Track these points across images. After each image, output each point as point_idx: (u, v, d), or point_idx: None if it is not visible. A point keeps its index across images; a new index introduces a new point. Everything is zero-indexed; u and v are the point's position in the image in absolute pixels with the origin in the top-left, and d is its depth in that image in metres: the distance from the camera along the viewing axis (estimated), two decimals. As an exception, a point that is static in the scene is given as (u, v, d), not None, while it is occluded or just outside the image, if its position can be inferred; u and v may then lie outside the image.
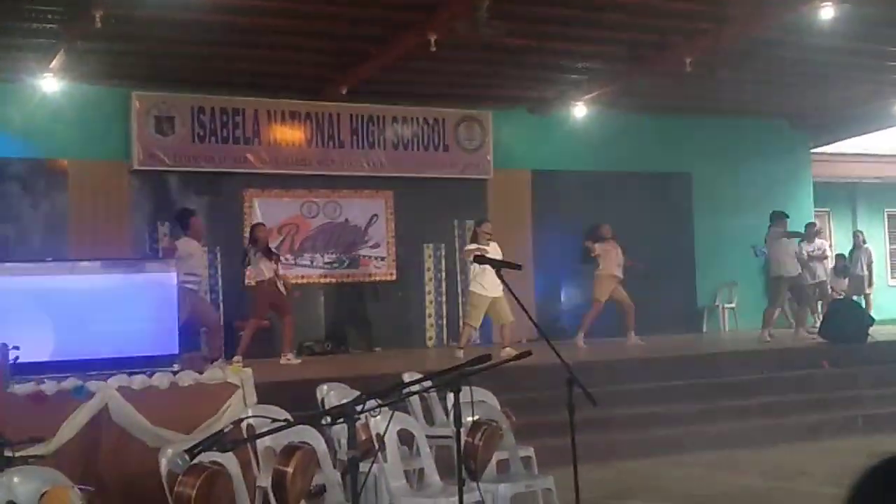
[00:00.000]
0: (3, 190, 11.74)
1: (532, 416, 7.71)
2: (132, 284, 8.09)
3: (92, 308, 7.84)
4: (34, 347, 7.50)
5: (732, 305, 15.25)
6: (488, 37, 9.91)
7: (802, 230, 14.24)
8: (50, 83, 11.36)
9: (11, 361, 6.10)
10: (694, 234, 15.42)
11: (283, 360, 11.17)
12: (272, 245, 11.69)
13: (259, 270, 11.25)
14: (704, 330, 15.30)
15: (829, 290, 14.56)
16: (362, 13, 10.04)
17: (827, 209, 18.72)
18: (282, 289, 11.32)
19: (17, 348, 6.14)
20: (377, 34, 10.74)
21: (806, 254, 14.00)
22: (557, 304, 13.49)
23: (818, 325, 13.05)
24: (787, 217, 13.31)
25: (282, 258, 11.76)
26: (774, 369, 11.15)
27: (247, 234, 12.16)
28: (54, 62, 10.75)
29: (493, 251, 10.95)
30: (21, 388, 6.85)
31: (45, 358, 7.57)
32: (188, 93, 12.32)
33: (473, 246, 11.15)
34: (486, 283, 11.13)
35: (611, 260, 12.53)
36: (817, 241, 14.81)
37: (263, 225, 11.71)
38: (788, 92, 14.13)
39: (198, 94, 12.37)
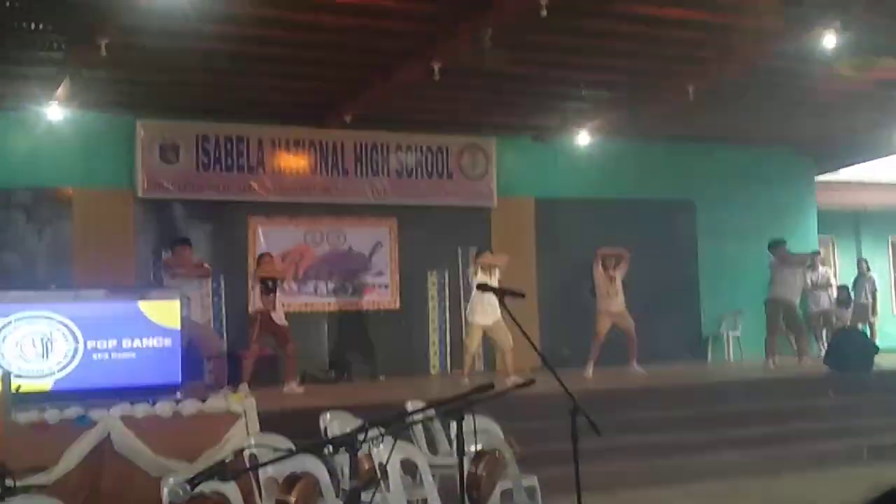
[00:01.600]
0: (8, 218, 11.76)
1: (536, 445, 7.66)
2: (135, 312, 8.08)
3: (95, 336, 7.84)
4: (37, 376, 7.49)
5: (737, 334, 15.19)
6: (491, 65, 9.95)
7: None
8: (55, 111, 11.40)
9: (14, 390, 6.08)
10: (698, 261, 15.40)
11: (285, 390, 11.14)
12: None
13: (254, 300, 11.29)
14: (709, 358, 15.24)
15: (834, 319, 14.50)
16: (365, 42, 10.07)
17: (831, 237, 18.69)
18: (277, 320, 11.29)
19: (19, 376, 6.13)
20: (381, 63, 10.77)
21: (810, 282, 13.96)
22: (561, 333, 13.44)
23: (823, 353, 13.01)
24: (784, 242, 13.29)
25: (282, 287, 11.68)
26: (778, 398, 11.10)
27: (251, 262, 12.24)
28: (59, 90, 10.80)
29: (493, 280, 11.07)
30: (23, 417, 6.84)
31: (48, 387, 7.57)
32: (193, 121, 12.37)
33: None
34: (477, 312, 11.29)
35: (603, 291, 12.56)
36: (821, 269, 14.82)
37: (268, 255, 11.71)
38: (792, 120, 14.14)
39: (202, 122, 12.42)
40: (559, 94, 12.54)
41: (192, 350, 9.64)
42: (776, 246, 13.24)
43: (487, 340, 11.92)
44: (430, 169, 13.76)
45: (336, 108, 12.43)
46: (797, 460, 9.47)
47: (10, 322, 7.74)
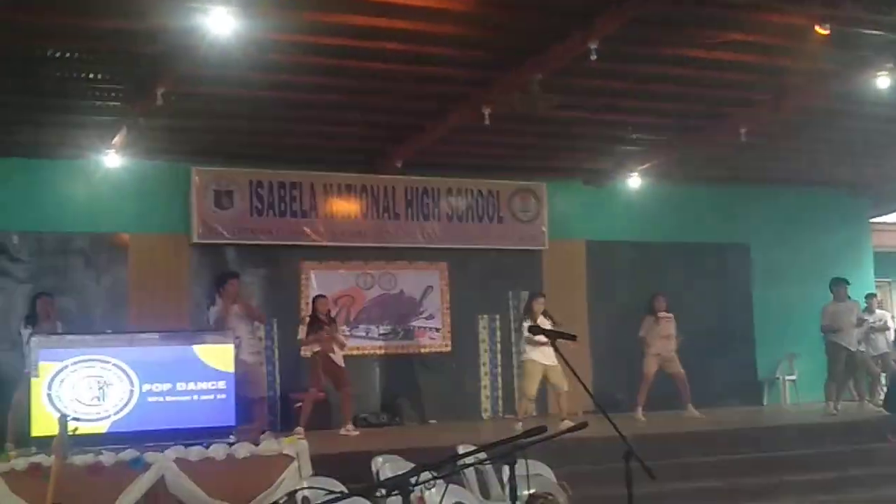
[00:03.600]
0: (67, 263, 11.95)
1: (589, 489, 7.59)
2: (190, 356, 8.17)
3: (150, 379, 7.93)
4: (93, 418, 7.59)
5: (793, 377, 14.97)
6: (542, 110, 9.99)
7: (863, 300, 14.02)
8: (112, 159, 11.62)
9: (71, 432, 6.17)
10: (752, 305, 15.22)
11: (342, 431, 11.21)
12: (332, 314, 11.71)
13: (312, 343, 11.36)
14: (765, 402, 15.03)
15: (892, 363, 14.24)
16: (416, 88, 10.18)
17: (888, 280, 18.40)
18: (337, 361, 11.35)
19: (76, 419, 6.21)
20: (431, 108, 10.87)
21: (867, 325, 13.73)
22: (614, 376, 13.34)
23: (881, 397, 12.78)
24: (846, 283, 13.07)
25: (336, 328, 11.73)
26: (837, 443, 10.90)
27: (304, 306, 12.35)
28: (117, 138, 11.01)
29: (545, 324, 11.07)
30: (80, 459, 6.93)
31: (103, 429, 7.66)
32: (246, 167, 12.53)
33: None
34: (536, 349, 11.23)
35: (654, 336, 12.47)
36: (878, 311, 14.56)
37: (322, 297, 11.78)
38: (846, 161, 14.01)
39: (255, 168, 12.58)
40: (610, 137, 12.56)
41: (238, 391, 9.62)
42: (834, 286, 13.03)
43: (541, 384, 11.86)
44: (480, 213, 13.79)
45: (387, 153, 12.54)
46: (856, 507, 9.29)
47: (66, 366, 7.86)
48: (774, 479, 9.73)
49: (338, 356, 11.42)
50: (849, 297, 13.00)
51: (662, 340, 12.49)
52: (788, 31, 8.67)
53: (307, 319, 11.53)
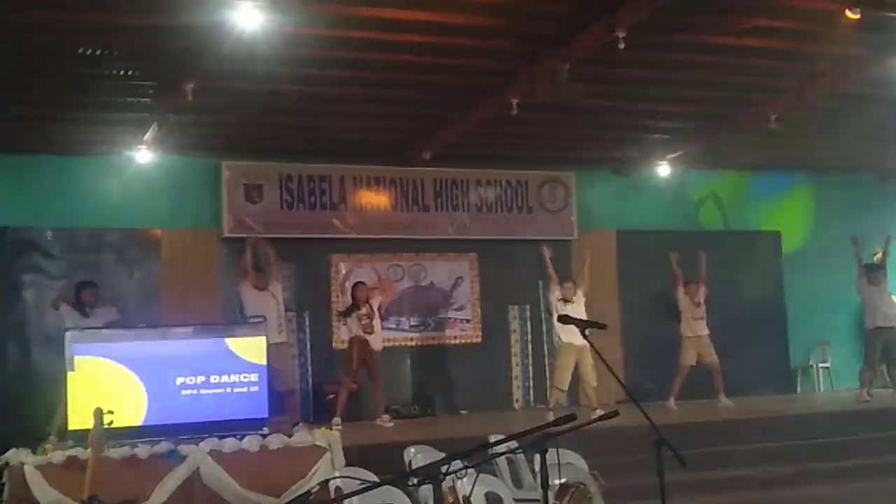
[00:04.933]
0: (100, 259, 12.08)
1: (621, 478, 7.58)
2: (222, 349, 8.23)
3: (183, 372, 8.00)
4: (128, 412, 7.66)
5: (827, 365, 14.88)
6: (569, 99, 9.96)
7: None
8: (144, 155, 11.72)
9: (106, 425, 6.23)
10: (784, 292, 15.14)
11: (378, 422, 11.32)
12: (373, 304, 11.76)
13: (349, 329, 11.43)
14: (798, 390, 14.95)
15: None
16: (443, 80, 10.18)
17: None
18: (374, 345, 11.40)
19: (111, 412, 6.28)
20: (459, 100, 10.87)
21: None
22: (646, 366, 13.31)
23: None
24: (877, 267, 12.99)
25: (377, 315, 11.76)
26: (871, 430, 10.83)
27: (334, 299, 12.43)
28: (147, 135, 11.10)
29: (577, 309, 11.10)
30: (116, 452, 7.01)
31: (138, 422, 7.74)
32: (276, 161, 12.60)
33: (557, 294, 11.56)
34: (571, 332, 11.17)
35: (688, 316, 12.48)
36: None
37: (362, 283, 11.83)
38: (877, 147, 13.88)
39: (285, 162, 12.64)
40: (638, 126, 12.51)
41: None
42: (867, 269, 12.96)
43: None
44: (509, 203, 13.80)
45: (415, 145, 12.56)
46: (890, 494, 9.22)
47: (101, 359, 7.94)
48: (808, 467, 9.71)
49: (375, 340, 11.46)
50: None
51: (700, 320, 12.52)
52: (817, 17, 8.61)
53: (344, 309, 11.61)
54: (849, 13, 7.95)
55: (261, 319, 10.16)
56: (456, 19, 8.47)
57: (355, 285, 11.77)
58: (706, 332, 12.56)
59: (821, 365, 14.89)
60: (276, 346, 10.24)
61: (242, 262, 11.28)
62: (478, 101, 10.77)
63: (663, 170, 13.89)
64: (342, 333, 12.20)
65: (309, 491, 5.85)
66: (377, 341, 11.51)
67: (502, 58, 9.62)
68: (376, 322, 11.56)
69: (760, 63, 10.03)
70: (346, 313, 11.53)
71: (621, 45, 8.19)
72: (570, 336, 11.30)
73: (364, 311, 11.44)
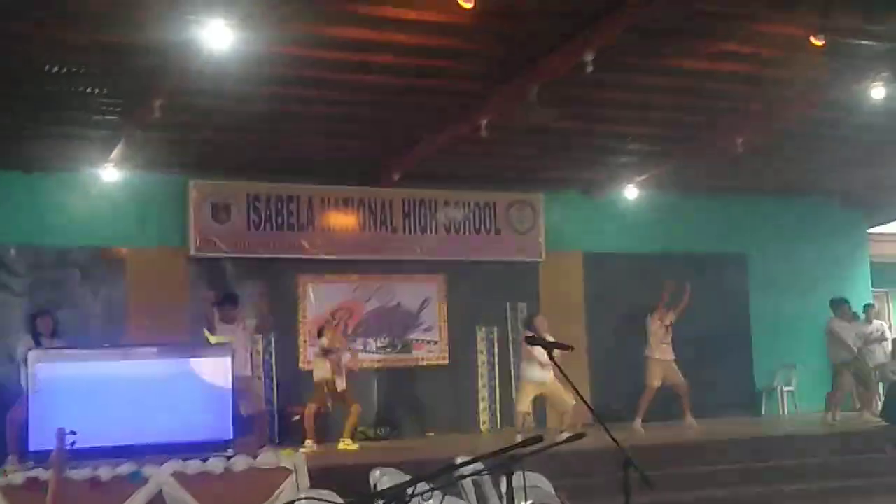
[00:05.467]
0: (63, 277, 11.94)
1: (587, 500, 7.60)
2: (187, 370, 8.17)
3: (148, 393, 7.93)
4: (91, 432, 7.57)
5: (791, 388, 14.97)
6: (538, 121, 10.00)
7: (861, 311, 14.06)
8: (110, 173, 11.64)
9: (68, 446, 6.15)
10: (750, 315, 15.23)
11: (340, 445, 11.26)
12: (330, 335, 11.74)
13: (318, 368, 11.45)
14: (763, 413, 15.02)
15: (889, 373, 14.26)
16: (413, 101, 10.19)
17: (885, 290, 18.40)
18: (339, 387, 11.40)
19: (73, 433, 6.20)
20: (428, 120, 10.88)
21: (864, 336, 13.76)
22: (612, 388, 13.34)
23: (879, 408, 12.81)
24: (846, 302, 13.16)
25: (345, 350, 11.75)
26: (837, 453, 10.90)
27: (301, 319, 12.45)
28: (115, 152, 11.02)
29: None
30: (78, 474, 6.92)
31: (101, 443, 7.65)
32: (244, 180, 12.54)
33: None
34: (536, 368, 11.32)
35: (657, 340, 12.57)
36: (875, 322, 14.60)
37: (329, 324, 11.86)
38: (842, 171, 14.02)
39: (253, 181, 12.59)
40: (606, 148, 12.57)
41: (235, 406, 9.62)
42: (835, 306, 13.13)
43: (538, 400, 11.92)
44: (477, 225, 13.81)
45: (384, 165, 12.55)
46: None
47: (64, 379, 7.85)
48: (774, 489, 9.75)
49: (340, 382, 11.46)
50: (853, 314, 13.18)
51: (667, 346, 12.68)
52: (784, 42, 8.70)
53: (319, 349, 11.67)
54: (814, 39, 8.04)
55: (227, 341, 10.08)
56: (426, 41, 8.48)
57: (322, 327, 11.79)
58: (673, 356, 12.66)
59: (785, 388, 14.97)
60: (243, 378, 10.21)
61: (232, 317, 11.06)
62: (447, 122, 10.78)
63: (631, 192, 13.96)
64: (309, 354, 12.18)
65: (273, 513, 5.79)
66: (342, 382, 11.48)
67: (472, 79, 9.63)
68: (343, 362, 11.54)
69: (728, 87, 10.13)
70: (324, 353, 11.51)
71: (589, 69, 8.24)
72: (533, 373, 11.39)
73: (334, 352, 11.44)
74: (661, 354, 12.60)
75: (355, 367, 11.80)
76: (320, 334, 11.75)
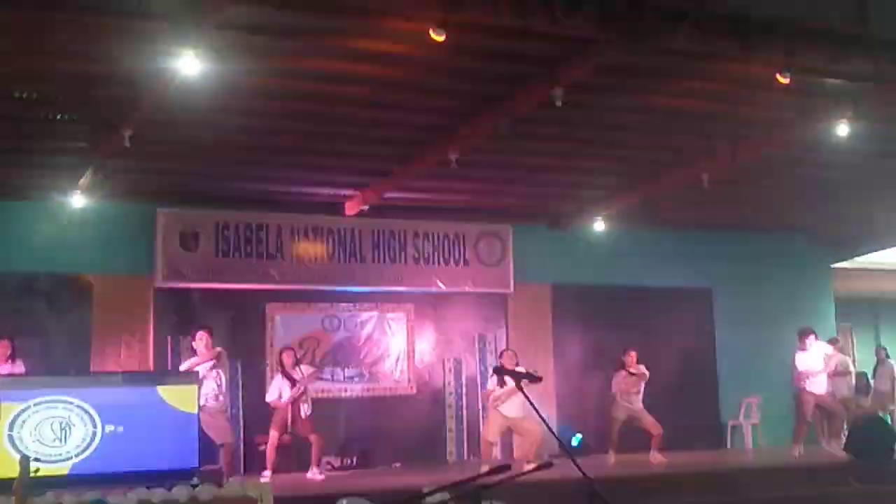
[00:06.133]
0: (29, 304, 11.82)
1: (553, 532, 7.60)
2: (153, 398, 8.13)
3: (112, 421, 7.88)
4: (55, 460, 7.52)
5: (756, 421, 15.04)
6: (508, 154, 10.09)
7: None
8: (78, 200, 11.58)
9: (32, 474, 6.11)
10: (715, 349, 15.33)
11: (308, 475, 11.16)
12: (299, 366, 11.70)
13: (278, 394, 11.36)
14: (728, 446, 15.09)
15: (853, 407, 14.38)
16: (383, 133, 10.25)
17: (849, 324, 18.58)
18: (303, 414, 11.31)
19: (37, 460, 6.16)
20: (398, 152, 10.94)
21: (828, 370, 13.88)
22: (579, 419, 13.38)
23: (843, 441, 12.90)
24: (811, 333, 13.28)
25: (307, 381, 11.66)
26: (804, 486, 10.97)
27: (269, 348, 12.36)
28: (83, 180, 10.98)
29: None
30: (41, 502, 6.85)
31: (65, 471, 7.59)
32: (212, 209, 12.52)
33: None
34: (505, 402, 11.38)
35: (622, 391, 12.60)
36: (840, 356, 14.72)
37: (289, 349, 11.79)
38: (807, 207, 14.20)
39: (222, 210, 12.56)
40: (574, 182, 12.68)
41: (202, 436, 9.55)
42: (799, 335, 13.26)
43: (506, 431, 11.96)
44: (446, 256, 13.84)
45: (354, 196, 12.60)
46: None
47: (28, 406, 7.80)
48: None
49: (305, 408, 11.39)
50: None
51: (635, 396, 12.63)
52: (749, 80, 8.83)
53: (275, 375, 11.53)
54: (779, 77, 8.18)
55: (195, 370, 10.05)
56: (396, 74, 8.54)
57: (282, 351, 11.73)
58: (640, 405, 12.67)
59: (750, 421, 15.04)
60: (210, 408, 10.18)
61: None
62: (417, 154, 10.85)
63: (599, 225, 14.07)
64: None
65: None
66: (306, 408, 11.41)
67: (441, 113, 9.71)
68: (306, 388, 11.49)
69: (694, 124, 10.27)
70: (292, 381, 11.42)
71: (558, 104, 8.35)
72: (503, 407, 11.54)
73: (295, 380, 11.37)
74: (627, 402, 12.64)
75: (311, 384, 11.65)
76: (281, 362, 11.62)
